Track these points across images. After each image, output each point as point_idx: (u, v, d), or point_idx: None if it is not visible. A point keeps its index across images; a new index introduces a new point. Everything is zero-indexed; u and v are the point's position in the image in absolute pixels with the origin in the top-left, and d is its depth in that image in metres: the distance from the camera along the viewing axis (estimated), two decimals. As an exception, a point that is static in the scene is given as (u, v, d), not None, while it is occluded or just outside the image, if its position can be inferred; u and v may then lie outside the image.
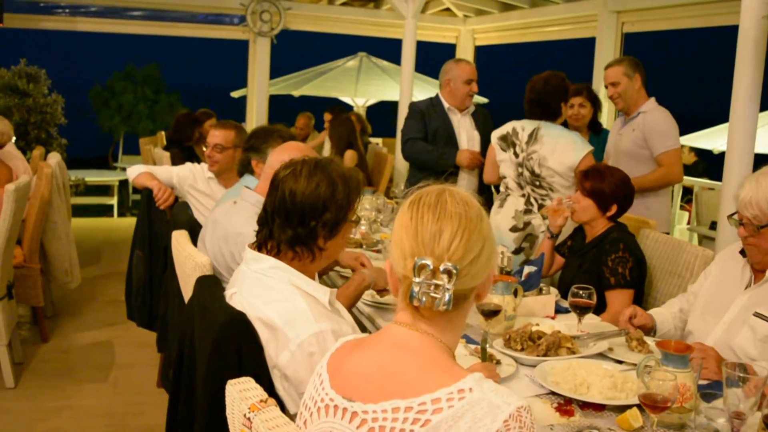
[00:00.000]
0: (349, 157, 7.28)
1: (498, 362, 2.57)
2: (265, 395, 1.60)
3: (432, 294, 1.50)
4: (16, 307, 4.88)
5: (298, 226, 2.22)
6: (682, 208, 9.11)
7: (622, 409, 2.20)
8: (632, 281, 3.39)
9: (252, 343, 2.10)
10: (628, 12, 7.76)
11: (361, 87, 11.97)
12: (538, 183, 4.25)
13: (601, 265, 3.43)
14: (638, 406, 2.12)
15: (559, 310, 3.24)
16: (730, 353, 2.66)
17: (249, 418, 1.53)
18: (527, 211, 4.31)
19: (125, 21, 9.83)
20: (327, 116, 8.43)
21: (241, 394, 1.61)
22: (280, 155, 2.90)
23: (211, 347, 2.07)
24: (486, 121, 5.24)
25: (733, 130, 4.32)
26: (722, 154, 5.56)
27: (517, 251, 4.29)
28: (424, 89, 10.93)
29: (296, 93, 11.99)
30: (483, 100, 12.10)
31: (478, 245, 1.53)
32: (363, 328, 2.98)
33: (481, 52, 11.30)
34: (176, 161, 5.61)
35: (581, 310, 2.93)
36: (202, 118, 7.20)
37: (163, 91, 22.67)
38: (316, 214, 2.22)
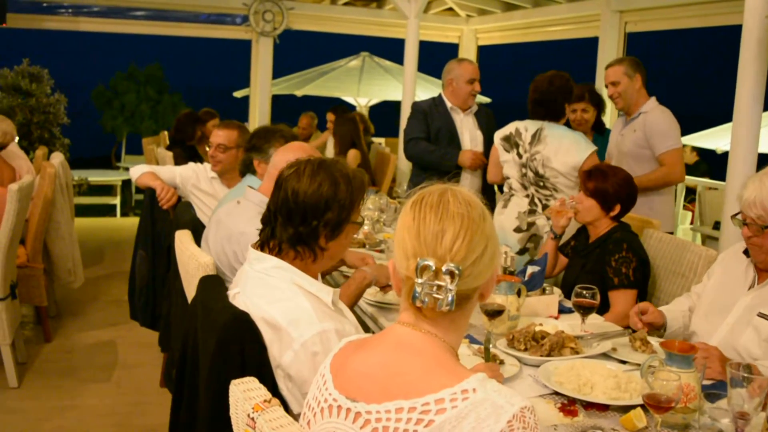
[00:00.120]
0: (353, 156, 7.28)
1: (501, 362, 2.57)
2: (268, 395, 1.60)
3: (435, 295, 1.49)
4: (20, 307, 4.88)
5: (300, 224, 2.22)
6: (685, 208, 9.09)
7: (625, 409, 2.20)
8: (636, 281, 3.39)
9: (255, 342, 2.10)
10: (631, 12, 7.75)
11: (363, 87, 11.97)
12: (542, 183, 4.25)
13: (605, 265, 3.42)
14: (642, 406, 2.12)
15: (562, 310, 3.24)
16: (734, 354, 2.66)
17: (253, 418, 1.53)
18: (531, 212, 4.30)
19: (128, 21, 9.85)
20: (330, 116, 8.43)
21: (244, 394, 1.61)
22: (284, 155, 2.90)
23: (214, 347, 2.07)
24: (489, 120, 5.23)
25: (736, 130, 4.32)
26: (725, 154, 5.55)
27: (521, 252, 4.29)
28: (426, 89, 10.93)
29: (299, 93, 11.99)
30: (486, 99, 12.10)
31: (481, 245, 1.53)
32: (366, 328, 2.97)
33: (483, 51, 11.30)
34: (179, 161, 5.61)
35: (585, 310, 2.93)
36: (205, 117, 7.20)
37: (166, 91, 22.64)
38: (317, 214, 2.22)
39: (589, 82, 5.79)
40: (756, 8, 4.16)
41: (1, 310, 4.39)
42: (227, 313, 2.13)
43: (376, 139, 10.12)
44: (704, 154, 10.84)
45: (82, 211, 10.36)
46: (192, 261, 2.70)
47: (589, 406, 2.27)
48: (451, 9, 10.51)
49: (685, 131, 4.90)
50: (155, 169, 4.49)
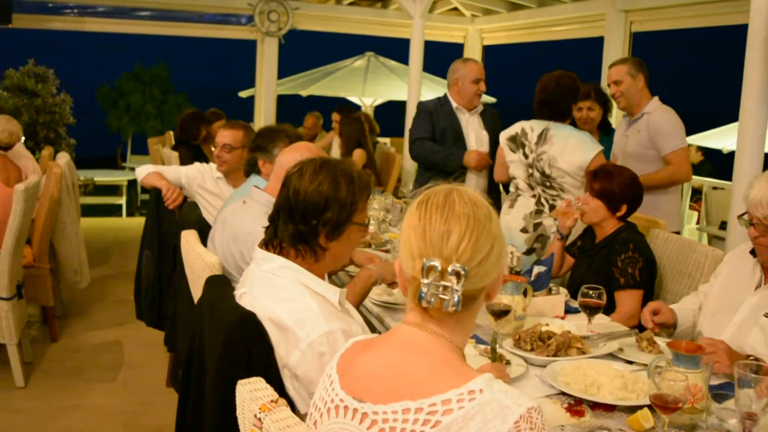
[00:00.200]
0: (358, 156, 7.28)
1: (508, 362, 2.57)
2: (275, 395, 1.60)
3: (441, 295, 1.49)
4: (26, 307, 4.89)
5: (300, 223, 2.22)
6: (691, 207, 9.08)
7: (632, 409, 2.19)
8: (642, 282, 3.38)
9: (262, 342, 2.10)
10: (637, 11, 7.74)
11: (368, 87, 11.97)
12: (548, 184, 4.24)
13: (611, 266, 3.42)
14: (649, 406, 2.11)
15: (568, 310, 3.23)
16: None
17: (260, 419, 1.53)
18: (538, 212, 4.29)
19: (133, 21, 9.86)
20: (335, 116, 8.43)
21: (251, 394, 1.61)
22: (291, 155, 2.90)
23: (221, 347, 2.07)
24: (495, 120, 5.23)
25: (742, 130, 4.30)
26: (731, 154, 5.53)
27: (528, 252, 4.28)
28: (432, 89, 10.92)
29: (304, 93, 12.00)
30: (491, 99, 12.09)
31: (487, 245, 1.52)
32: (372, 328, 2.97)
33: (488, 51, 11.29)
34: (184, 161, 5.62)
35: (591, 311, 2.92)
36: (211, 118, 7.21)
37: (171, 91, 22.71)
38: (317, 212, 2.21)
39: (595, 81, 5.78)
40: (762, 8, 4.14)
41: (8, 310, 4.40)
42: (234, 313, 2.13)
43: (381, 139, 10.11)
44: (709, 153, 10.83)
45: (88, 211, 10.37)
46: (198, 261, 2.71)
47: (595, 406, 2.27)
48: (456, 9, 10.51)
49: (690, 131, 4.90)
50: (161, 169, 4.50)
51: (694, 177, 8.26)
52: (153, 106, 21.97)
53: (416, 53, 8.17)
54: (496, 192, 5.08)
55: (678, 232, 4.55)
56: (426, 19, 8.24)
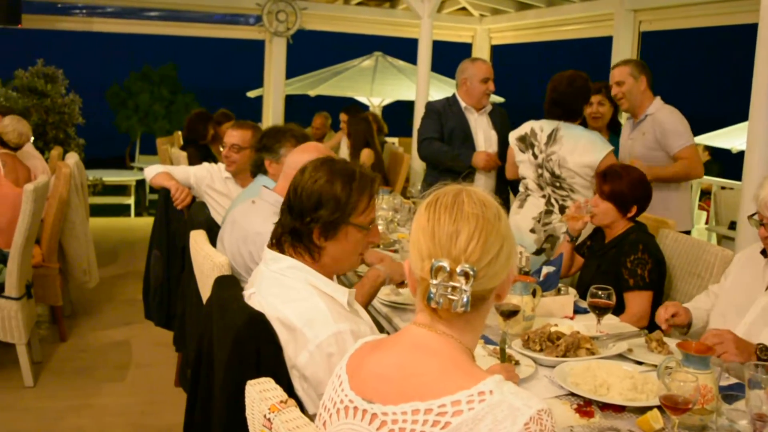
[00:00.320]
0: (366, 155, 7.28)
1: (517, 363, 2.56)
2: (285, 396, 1.60)
3: (449, 296, 1.49)
4: (35, 307, 4.90)
5: (296, 220, 2.22)
6: (700, 207, 9.05)
7: (642, 410, 2.18)
8: (651, 283, 3.37)
9: (271, 343, 2.10)
10: (646, 10, 7.71)
11: (376, 87, 11.96)
12: (558, 184, 4.22)
13: (620, 267, 3.40)
14: (659, 407, 2.11)
15: (577, 311, 3.23)
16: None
17: (269, 419, 1.53)
18: (548, 212, 4.28)
19: (141, 21, 9.89)
20: (343, 116, 8.43)
21: (261, 394, 1.61)
22: (299, 156, 2.90)
23: (230, 347, 2.07)
24: (503, 120, 5.22)
25: (752, 129, 4.28)
26: (739, 154, 5.51)
27: (537, 252, 4.27)
28: (440, 89, 10.91)
29: (312, 93, 12.00)
30: (499, 99, 12.07)
31: (496, 246, 1.52)
32: (380, 328, 2.97)
33: (497, 51, 11.27)
34: (193, 161, 5.63)
35: (600, 311, 2.91)
36: (220, 119, 7.22)
37: (180, 91, 22.75)
38: (310, 210, 2.19)
39: (605, 80, 5.77)
40: (772, 7, 4.12)
41: (17, 310, 4.41)
42: (243, 313, 2.13)
43: (389, 139, 10.12)
44: (717, 153, 10.80)
45: (97, 211, 10.40)
46: (207, 261, 2.71)
47: (605, 407, 2.26)
48: (464, 8, 10.49)
49: (700, 131, 4.89)
50: (169, 169, 4.50)
51: (702, 177, 8.24)
52: (161, 106, 22.02)
53: (424, 53, 8.16)
54: (504, 193, 5.07)
55: (689, 231, 4.53)
56: (434, 19, 8.22)
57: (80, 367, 4.89)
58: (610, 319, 3.03)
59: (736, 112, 7.53)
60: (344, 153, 7.89)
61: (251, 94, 12.09)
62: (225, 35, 10.43)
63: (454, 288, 1.48)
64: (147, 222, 6.98)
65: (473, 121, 5.12)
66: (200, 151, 6.53)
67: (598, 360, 2.57)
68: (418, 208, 1.60)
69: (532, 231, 4.30)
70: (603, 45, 8.32)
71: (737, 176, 4.91)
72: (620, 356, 2.67)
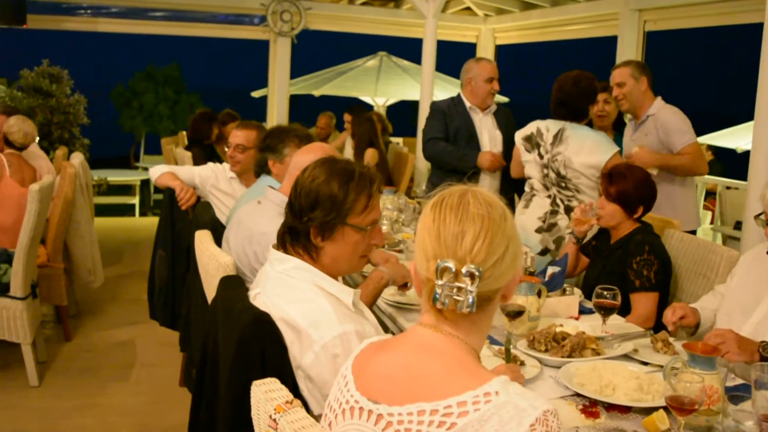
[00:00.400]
0: (370, 155, 7.28)
1: (522, 363, 2.56)
2: (290, 396, 1.60)
3: (455, 296, 1.48)
4: (40, 307, 4.92)
5: (294, 219, 2.22)
6: (705, 207, 9.03)
7: (648, 411, 2.18)
8: (657, 284, 3.36)
9: (276, 343, 2.10)
10: (650, 10, 7.70)
11: (381, 86, 11.97)
12: (564, 184, 4.21)
13: (626, 268, 3.39)
14: (665, 408, 2.10)
15: (583, 311, 3.22)
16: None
17: (275, 420, 1.53)
18: (553, 212, 4.27)
19: (146, 22, 9.90)
20: (347, 116, 8.42)
21: (266, 395, 1.61)
22: (305, 156, 2.90)
23: (235, 347, 2.07)
24: (508, 120, 5.21)
25: (758, 129, 4.28)
26: (744, 153, 5.50)
27: (543, 252, 4.26)
28: (444, 89, 10.91)
29: (317, 93, 12.01)
30: (504, 99, 12.06)
31: (502, 246, 1.51)
32: (385, 328, 2.97)
33: (501, 51, 11.27)
34: (198, 161, 5.63)
35: (605, 311, 2.91)
36: (225, 119, 7.22)
37: (184, 91, 22.74)
38: (308, 209, 2.18)
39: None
40: (778, 6, 4.12)
41: (22, 310, 4.42)
42: (248, 313, 2.13)
43: (394, 139, 10.11)
44: (721, 153, 10.78)
45: (102, 210, 10.42)
46: (212, 261, 2.71)
47: (610, 407, 2.26)
48: (468, 8, 10.49)
49: (705, 130, 4.88)
50: (174, 169, 4.50)
51: (707, 177, 8.23)
52: (166, 106, 22.01)
53: (429, 53, 8.16)
54: (509, 193, 5.06)
55: (695, 230, 4.52)
56: (439, 19, 8.23)
57: (85, 367, 4.90)
58: (615, 319, 3.03)
59: (743, 111, 7.51)
60: (349, 153, 7.88)
61: (256, 94, 12.10)
62: (229, 35, 10.45)
63: (459, 289, 1.48)
64: (152, 222, 6.98)
65: (478, 121, 5.12)
66: (205, 151, 6.53)
67: (603, 360, 2.57)
68: (423, 209, 1.60)
69: (538, 231, 4.29)
70: (608, 45, 8.31)
71: (742, 176, 4.90)
72: (626, 357, 2.67)
